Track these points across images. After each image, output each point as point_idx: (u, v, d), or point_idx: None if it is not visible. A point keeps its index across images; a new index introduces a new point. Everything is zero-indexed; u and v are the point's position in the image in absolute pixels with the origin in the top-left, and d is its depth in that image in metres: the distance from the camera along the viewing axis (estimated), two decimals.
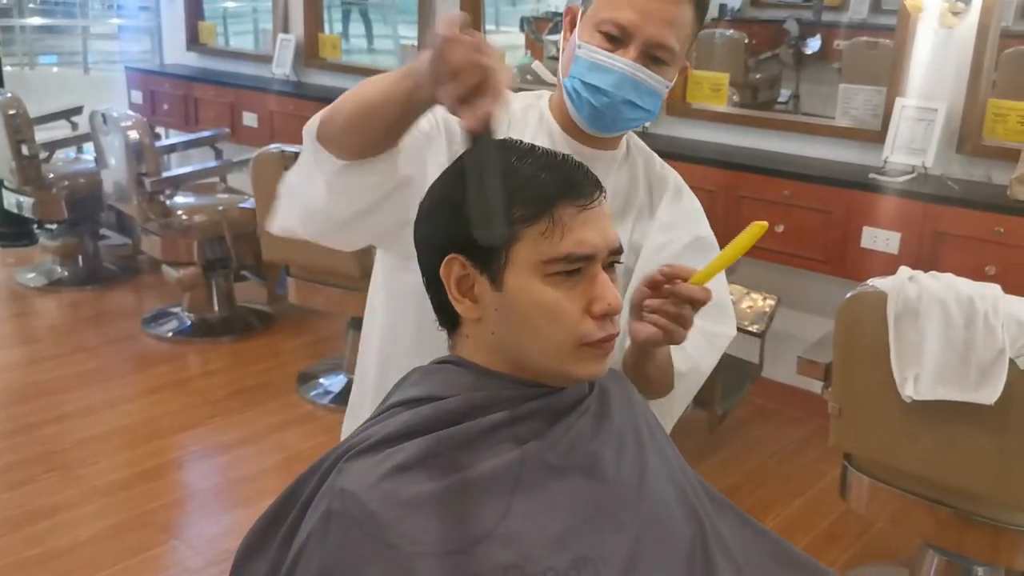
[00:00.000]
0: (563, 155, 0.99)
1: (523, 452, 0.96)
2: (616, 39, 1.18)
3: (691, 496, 1.07)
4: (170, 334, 4.03)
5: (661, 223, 1.31)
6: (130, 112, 3.88)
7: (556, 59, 5.09)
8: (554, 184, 0.95)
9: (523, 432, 0.97)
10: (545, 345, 0.95)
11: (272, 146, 3.23)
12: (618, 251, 0.98)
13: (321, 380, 3.60)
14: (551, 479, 0.96)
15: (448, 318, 1.02)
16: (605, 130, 1.25)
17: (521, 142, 1.00)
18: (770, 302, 3.03)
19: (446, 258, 0.97)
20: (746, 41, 4.63)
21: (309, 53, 4.90)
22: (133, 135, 3.67)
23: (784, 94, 4.64)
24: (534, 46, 5.56)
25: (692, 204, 1.37)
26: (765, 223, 1.02)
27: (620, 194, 1.30)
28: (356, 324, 3.55)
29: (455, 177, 0.99)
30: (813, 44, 4.67)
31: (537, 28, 5.59)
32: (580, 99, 1.21)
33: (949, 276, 1.88)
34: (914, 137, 2.97)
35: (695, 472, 1.16)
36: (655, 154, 1.37)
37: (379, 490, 0.90)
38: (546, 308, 0.94)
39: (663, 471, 1.06)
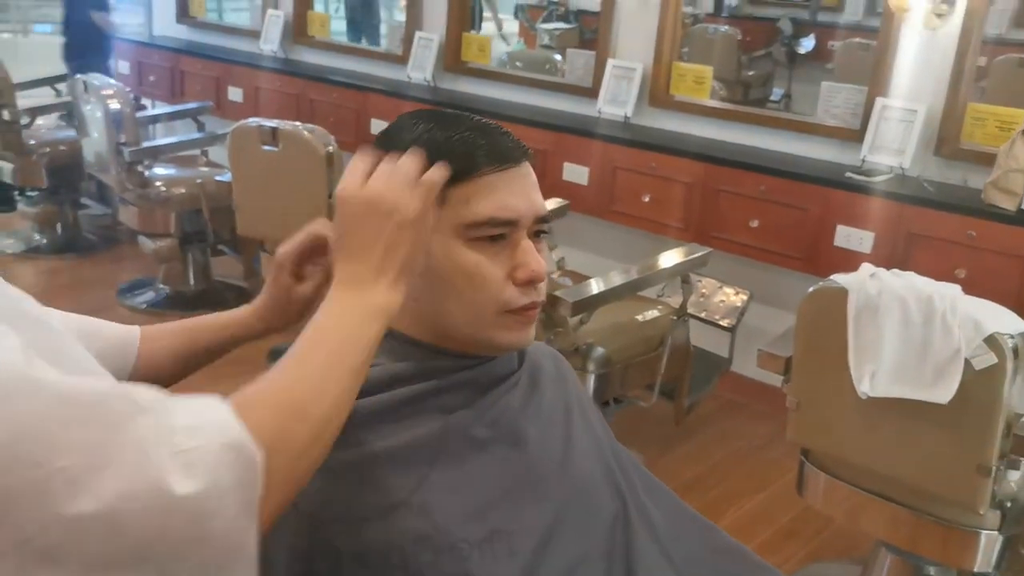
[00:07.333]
0: (489, 122, 0.97)
1: (446, 423, 0.95)
2: None
3: (617, 475, 1.07)
4: (145, 306, 4.01)
5: None
6: (111, 80, 3.85)
7: (548, 47, 5.10)
8: (478, 147, 0.93)
9: (448, 403, 0.96)
10: (467, 310, 0.94)
11: (251, 120, 3.20)
12: (544, 219, 0.97)
13: None
14: (473, 451, 0.96)
15: None
16: None
17: (447, 111, 0.99)
18: (742, 297, 3.03)
19: None
20: (739, 38, 4.62)
21: (298, 30, 4.88)
22: (113, 104, 3.63)
23: (777, 93, 4.63)
24: (527, 33, 5.54)
25: None
26: None
27: None
28: None
29: (385, 138, 0.98)
30: (807, 43, 4.67)
31: (531, 16, 5.57)
32: None
33: (910, 274, 1.87)
34: (893, 137, 2.96)
35: (630, 454, 1.16)
36: None
37: None
38: (468, 272, 0.93)
39: (591, 449, 1.06)
